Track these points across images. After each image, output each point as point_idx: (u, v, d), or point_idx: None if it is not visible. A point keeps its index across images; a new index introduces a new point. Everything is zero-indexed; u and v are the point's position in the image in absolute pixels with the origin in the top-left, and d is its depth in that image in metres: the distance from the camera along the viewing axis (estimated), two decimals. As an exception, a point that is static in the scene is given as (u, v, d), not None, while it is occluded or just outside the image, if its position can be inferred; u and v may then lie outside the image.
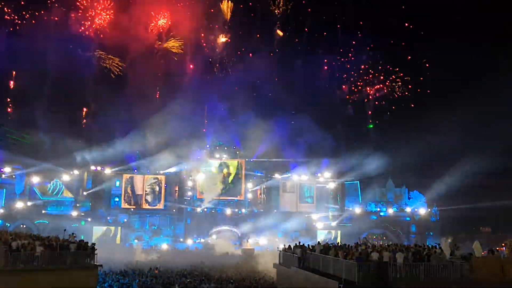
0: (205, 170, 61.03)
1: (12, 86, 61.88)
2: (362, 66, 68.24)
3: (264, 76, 64.20)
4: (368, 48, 67.21)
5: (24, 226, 52.43)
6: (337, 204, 61.46)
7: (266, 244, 56.05)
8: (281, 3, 67.08)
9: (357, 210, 59.19)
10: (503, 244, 41.97)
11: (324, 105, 66.12)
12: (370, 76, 68.19)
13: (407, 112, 66.19)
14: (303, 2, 67.38)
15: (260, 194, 61.70)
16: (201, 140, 60.73)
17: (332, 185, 61.53)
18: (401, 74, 67.20)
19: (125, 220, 57.38)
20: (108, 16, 63.06)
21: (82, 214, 55.88)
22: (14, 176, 54.99)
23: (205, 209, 59.17)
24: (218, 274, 34.89)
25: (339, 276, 19.49)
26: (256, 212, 60.00)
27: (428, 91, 63.84)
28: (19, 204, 53.85)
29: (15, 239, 23.32)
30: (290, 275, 25.61)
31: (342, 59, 68.36)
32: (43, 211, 54.15)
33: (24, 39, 57.29)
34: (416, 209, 58.57)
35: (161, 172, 59.53)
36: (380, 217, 58.63)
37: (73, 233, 26.77)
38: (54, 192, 56.26)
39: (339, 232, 57.34)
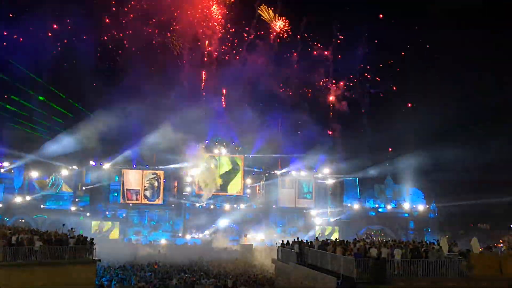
0: (204, 165, 61.07)
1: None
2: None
3: (261, 71, 64.11)
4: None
5: (23, 220, 52.60)
6: (335, 200, 61.58)
7: (264, 239, 56.22)
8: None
9: (356, 206, 59.34)
10: (501, 241, 42.24)
11: (320, 101, 66.31)
12: (365, 74, 68.04)
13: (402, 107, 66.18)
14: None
15: (259, 189, 61.76)
16: (200, 135, 60.68)
17: (331, 181, 61.62)
18: (397, 70, 67.02)
19: (124, 215, 57.45)
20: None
21: (81, 209, 55.97)
22: (12, 171, 54.97)
23: (204, 205, 59.25)
24: (217, 269, 35.00)
25: (337, 272, 19.53)
26: (255, 207, 60.09)
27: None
28: (18, 199, 53.92)
29: (14, 233, 23.33)
30: (289, 271, 25.66)
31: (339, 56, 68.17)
32: (41, 206, 54.20)
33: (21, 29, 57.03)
34: (414, 206, 58.71)
35: (160, 167, 59.56)
36: (379, 213, 58.78)
37: (72, 228, 26.80)
38: (53, 187, 56.30)
39: (337, 228, 57.44)
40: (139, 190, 59.15)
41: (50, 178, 56.70)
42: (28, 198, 54.42)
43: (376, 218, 58.33)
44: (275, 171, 61.50)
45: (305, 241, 26.85)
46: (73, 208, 55.54)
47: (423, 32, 61.91)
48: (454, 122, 58.11)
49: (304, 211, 60.20)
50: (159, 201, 59.37)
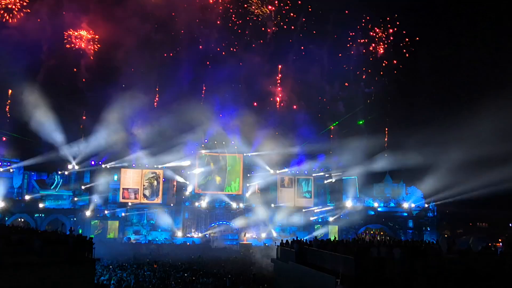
0: (203, 164, 61.13)
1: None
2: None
3: (258, 70, 64.09)
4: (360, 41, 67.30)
5: (22, 219, 52.56)
6: (334, 199, 61.62)
7: (263, 238, 56.29)
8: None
9: (355, 205, 59.34)
10: (500, 240, 42.30)
11: (317, 100, 66.34)
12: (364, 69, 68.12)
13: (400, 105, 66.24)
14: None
15: (258, 189, 61.74)
16: (200, 134, 60.65)
17: (330, 180, 61.65)
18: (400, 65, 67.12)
19: (123, 214, 57.39)
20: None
21: (80, 208, 55.85)
22: (12, 170, 54.92)
23: (203, 204, 59.23)
24: (216, 268, 35.03)
25: (337, 271, 19.54)
26: (254, 206, 60.07)
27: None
28: (18, 198, 53.82)
29: (13, 232, 23.32)
30: (288, 270, 25.68)
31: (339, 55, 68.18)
32: (41, 205, 54.12)
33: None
34: (413, 205, 58.73)
35: (159, 166, 59.55)
36: (378, 213, 58.75)
37: (71, 227, 26.83)
38: (53, 186, 56.23)
39: (336, 227, 57.46)
40: (138, 189, 59.13)
41: (50, 177, 56.66)
42: (27, 197, 54.38)
43: (375, 217, 58.31)
44: (275, 170, 61.47)
45: (304, 240, 26.89)
46: (72, 207, 55.47)
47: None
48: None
49: (303, 210, 60.21)
50: (158, 200, 59.33)
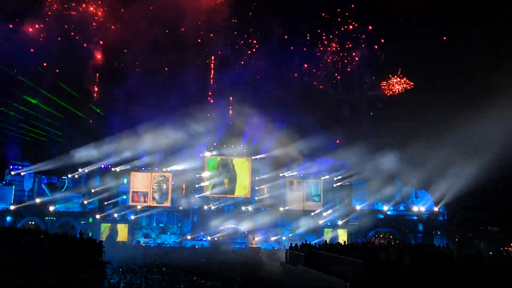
0: (212, 167, 61.28)
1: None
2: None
3: (266, 72, 64.07)
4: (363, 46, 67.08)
5: (33, 222, 53.06)
6: (344, 202, 61.39)
7: (272, 242, 56.21)
8: None
9: (364, 208, 59.06)
10: (511, 244, 41.78)
11: (324, 103, 66.17)
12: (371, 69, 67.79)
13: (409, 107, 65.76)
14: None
15: (267, 192, 61.72)
16: (208, 137, 60.78)
17: (339, 184, 61.44)
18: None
19: (133, 217, 57.66)
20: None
21: (90, 211, 56.23)
22: (23, 173, 55.49)
23: (212, 207, 59.31)
24: (225, 271, 35.03)
25: (346, 275, 19.46)
26: (263, 210, 60.00)
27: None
28: (28, 201, 54.35)
29: (23, 235, 23.54)
30: (297, 274, 25.63)
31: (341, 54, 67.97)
32: (51, 208, 54.57)
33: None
34: (423, 208, 58.31)
35: (169, 169, 59.79)
36: (387, 216, 58.42)
37: (81, 230, 27.01)
38: (63, 189, 56.70)
39: (345, 230, 57.22)
40: (148, 192, 59.38)
41: (60, 180, 57.14)
42: (38, 200, 54.84)
43: (384, 220, 57.98)
44: (283, 173, 61.41)
45: (313, 244, 26.83)
46: (82, 211, 55.86)
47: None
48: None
49: (312, 213, 60.02)
50: (167, 203, 59.51)
